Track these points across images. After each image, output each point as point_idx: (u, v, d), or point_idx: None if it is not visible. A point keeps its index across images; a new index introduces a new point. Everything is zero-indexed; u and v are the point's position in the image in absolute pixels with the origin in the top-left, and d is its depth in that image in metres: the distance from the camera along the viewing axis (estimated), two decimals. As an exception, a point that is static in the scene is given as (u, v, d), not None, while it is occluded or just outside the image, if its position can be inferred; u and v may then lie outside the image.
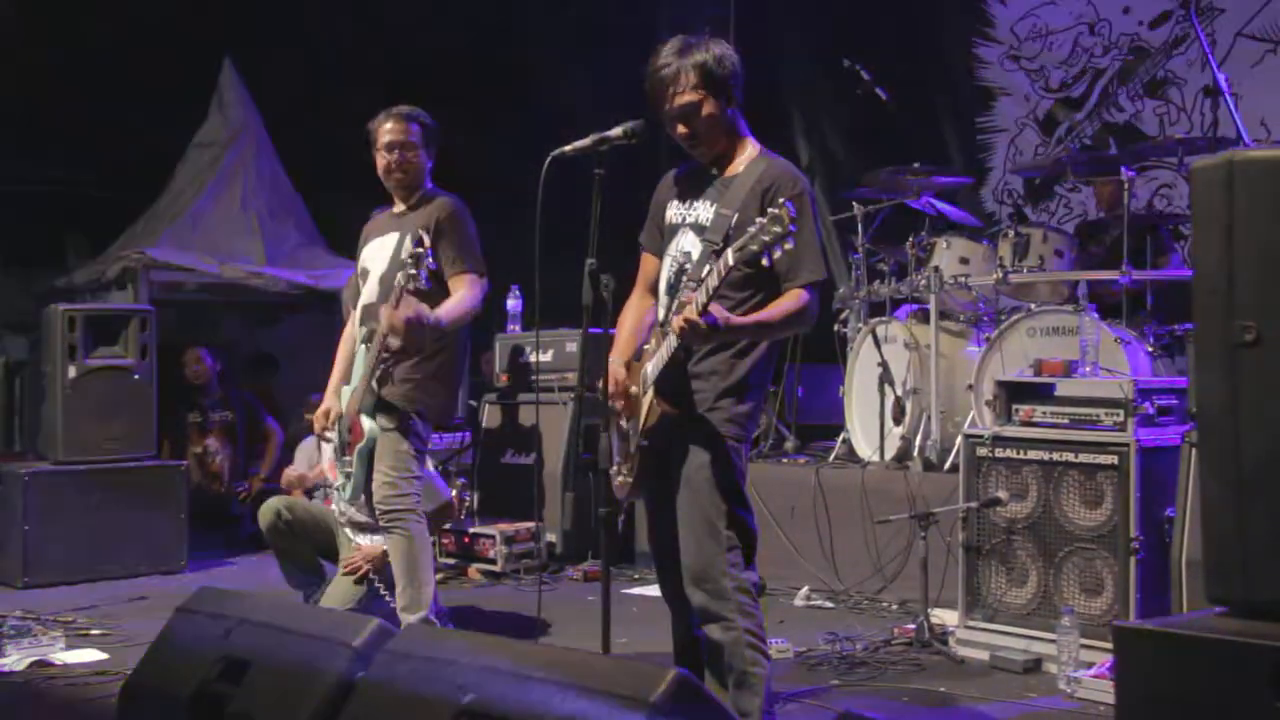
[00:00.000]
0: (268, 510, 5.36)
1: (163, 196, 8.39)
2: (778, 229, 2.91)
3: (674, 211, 3.53)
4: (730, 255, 3.01)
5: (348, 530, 5.42)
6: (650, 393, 3.34)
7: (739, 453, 3.38)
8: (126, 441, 6.56)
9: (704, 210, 3.42)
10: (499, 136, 8.10)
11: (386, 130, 4.65)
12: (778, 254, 2.96)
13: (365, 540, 5.34)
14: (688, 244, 3.42)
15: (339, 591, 5.21)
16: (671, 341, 3.28)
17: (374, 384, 4.52)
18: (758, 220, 2.97)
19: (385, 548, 5.22)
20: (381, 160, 4.67)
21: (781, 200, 2.97)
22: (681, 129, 3.40)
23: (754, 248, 2.94)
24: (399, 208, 4.76)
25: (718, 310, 3.11)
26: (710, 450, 3.33)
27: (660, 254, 3.54)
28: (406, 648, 2.54)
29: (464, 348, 4.83)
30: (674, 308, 3.30)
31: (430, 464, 6.13)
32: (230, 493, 7.71)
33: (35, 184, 8.60)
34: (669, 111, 3.39)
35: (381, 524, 4.57)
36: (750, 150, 3.47)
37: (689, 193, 3.51)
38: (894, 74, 7.18)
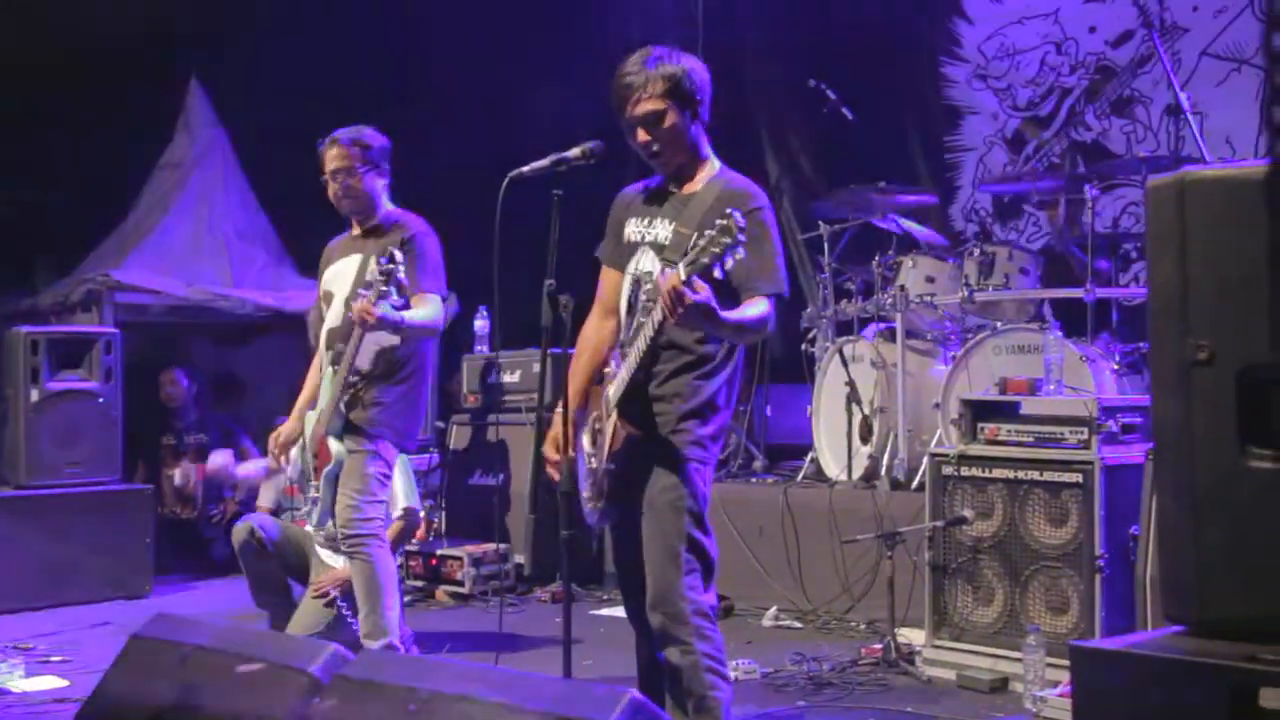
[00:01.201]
0: (241, 529, 5.32)
1: (128, 218, 8.32)
2: (726, 239, 2.87)
3: (632, 229, 3.49)
4: (682, 269, 2.96)
5: (321, 551, 5.37)
6: (613, 416, 3.31)
7: (702, 475, 3.34)
8: (90, 466, 6.51)
9: (663, 229, 3.40)
10: (466, 156, 8.08)
11: (329, 158, 4.64)
12: (729, 264, 2.91)
13: (339, 561, 5.29)
14: (647, 263, 3.40)
15: (306, 615, 5.16)
16: (631, 363, 3.25)
17: (342, 407, 4.49)
18: (706, 232, 2.93)
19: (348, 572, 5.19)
20: (329, 189, 4.66)
21: (728, 210, 2.92)
22: (642, 136, 3.36)
23: (704, 260, 2.89)
24: (356, 230, 4.74)
25: (700, 287, 2.93)
26: (673, 473, 3.30)
27: (621, 269, 3.51)
28: (362, 673, 2.52)
29: (429, 371, 4.80)
30: (633, 326, 3.29)
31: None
32: (203, 516, 7.64)
33: (1, 206, 8.53)
34: (630, 118, 3.36)
35: (344, 548, 4.54)
36: (710, 169, 3.45)
37: (647, 210, 3.48)
38: (862, 93, 7.21)
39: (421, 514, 5.97)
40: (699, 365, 3.34)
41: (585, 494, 3.40)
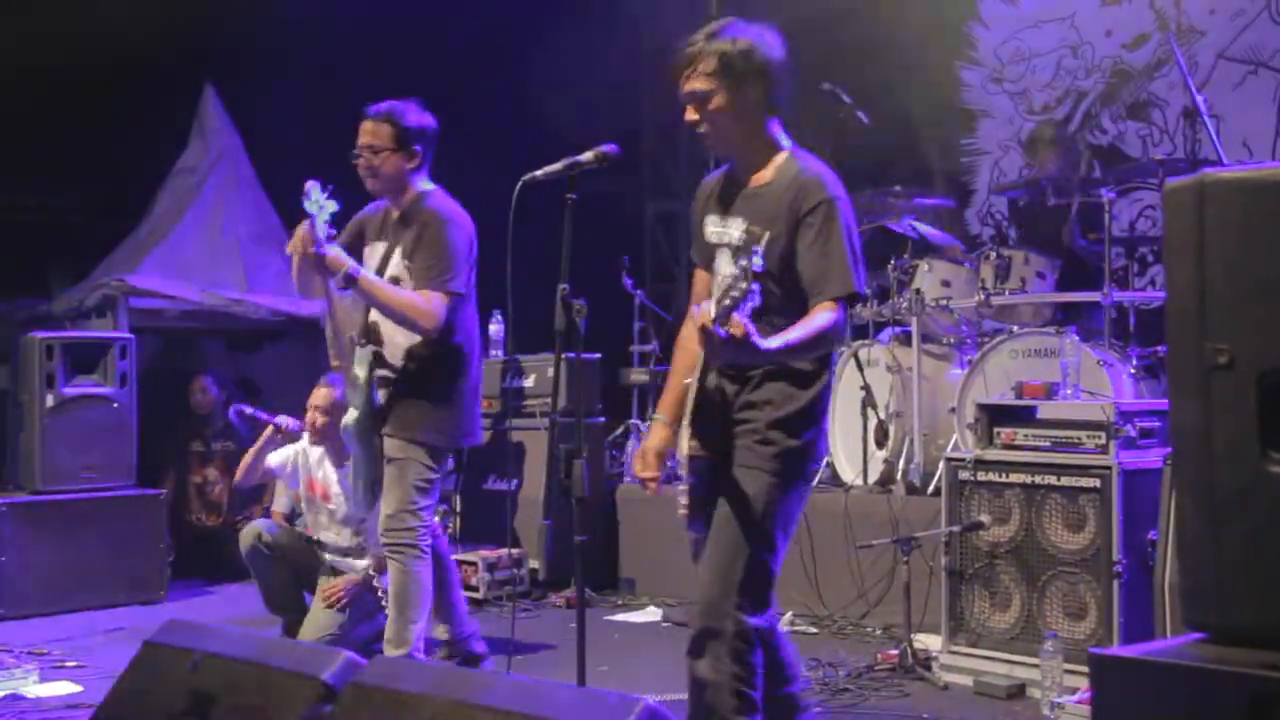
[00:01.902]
0: (249, 534, 5.32)
1: (143, 223, 8.34)
2: (744, 284, 2.66)
3: (710, 229, 3.28)
4: (712, 308, 2.72)
5: (329, 558, 5.37)
6: (686, 428, 3.11)
7: (783, 490, 3.10)
8: (105, 471, 6.51)
9: (735, 229, 3.18)
10: (479, 159, 8.08)
11: (360, 131, 4.44)
12: (750, 308, 2.68)
13: (347, 567, 5.30)
14: (725, 265, 3.17)
15: (316, 621, 5.16)
16: (699, 375, 3.10)
17: (380, 397, 4.43)
18: (731, 273, 2.74)
19: (361, 576, 5.19)
20: (359, 163, 4.44)
21: (751, 249, 2.71)
22: (689, 114, 3.15)
23: (727, 303, 2.69)
24: (395, 213, 4.52)
25: (736, 324, 2.69)
26: (750, 485, 3.08)
27: (709, 270, 3.29)
28: (374, 681, 2.51)
29: (470, 371, 4.47)
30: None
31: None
32: (229, 522, 7.65)
33: (17, 212, 8.56)
34: (680, 94, 3.14)
35: (385, 552, 4.49)
36: (781, 155, 3.19)
37: (721, 207, 3.26)
38: (877, 97, 7.19)
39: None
40: (793, 373, 3.10)
41: (680, 501, 3.18)
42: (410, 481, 4.34)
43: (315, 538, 5.40)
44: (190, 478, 7.57)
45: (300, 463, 5.46)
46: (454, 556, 6.45)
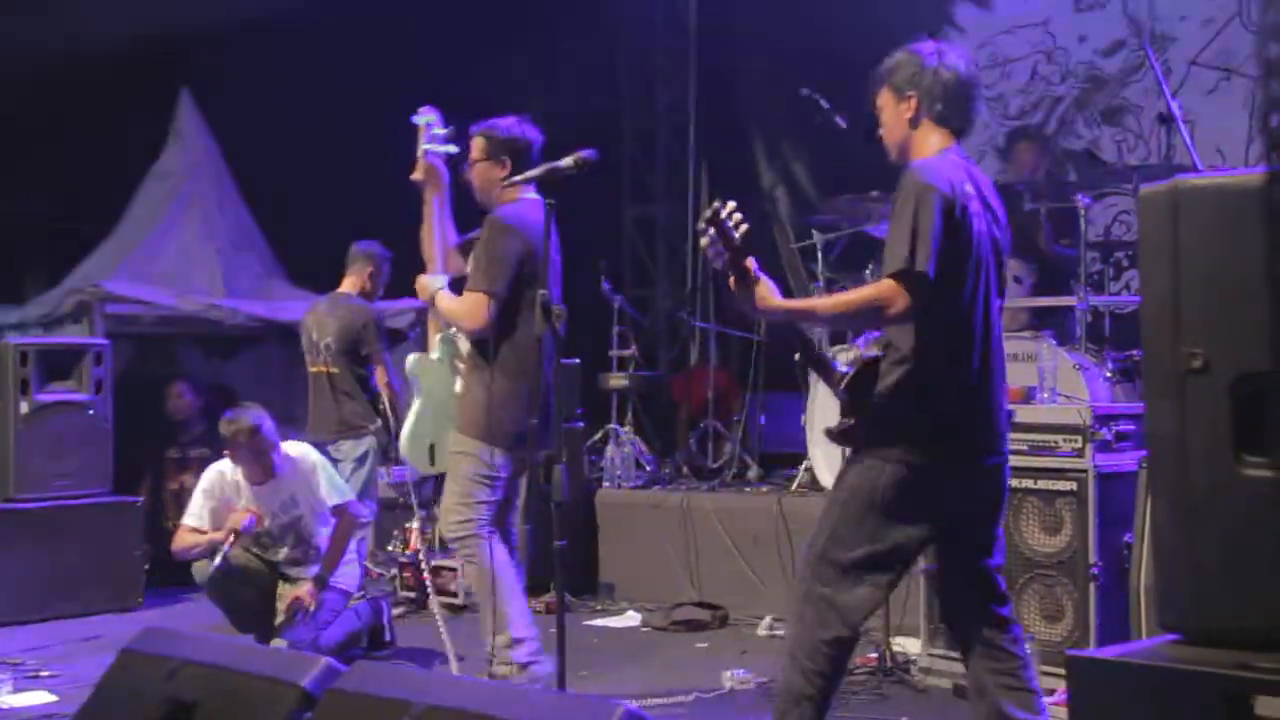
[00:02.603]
0: (201, 568, 5.26)
1: (119, 229, 8.30)
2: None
3: None
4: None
5: (288, 570, 5.34)
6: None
7: (880, 471, 3.11)
8: (81, 478, 6.48)
9: None
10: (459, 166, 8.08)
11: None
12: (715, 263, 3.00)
13: (305, 576, 5.26)
14: None
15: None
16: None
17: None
18: None
19: (314, 582, 5.16)
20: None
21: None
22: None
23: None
24: None
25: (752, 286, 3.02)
26: (855, 463, 3.21)
27: None
28: (353, 686, 2.50)
29: (527, 367, 4.27)
30: None
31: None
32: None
33: (-10, 218, 8.52)
34: None
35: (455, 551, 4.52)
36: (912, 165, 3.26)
37: None
38: (855, 101, 7.20)
39: (365, 509, 5.89)
40: (890, 354, 3.17)
41: None
42: (464, 474, 4.36)
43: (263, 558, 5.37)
44: (167, 484, 7.52)
45: (226, 493, 5.37)
46: (433, 562, 6.49)
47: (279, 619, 5.20)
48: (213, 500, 5.33)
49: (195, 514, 5.33)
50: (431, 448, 4.57)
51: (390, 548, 7.03)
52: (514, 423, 4.33)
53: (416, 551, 6.71)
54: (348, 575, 5.40)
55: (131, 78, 8.15)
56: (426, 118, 4.54)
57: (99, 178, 8.38)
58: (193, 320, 7.78)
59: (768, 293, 3.01)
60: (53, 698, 4.62)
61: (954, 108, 3.29)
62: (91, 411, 6.53)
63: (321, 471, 5.35)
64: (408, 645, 5.55)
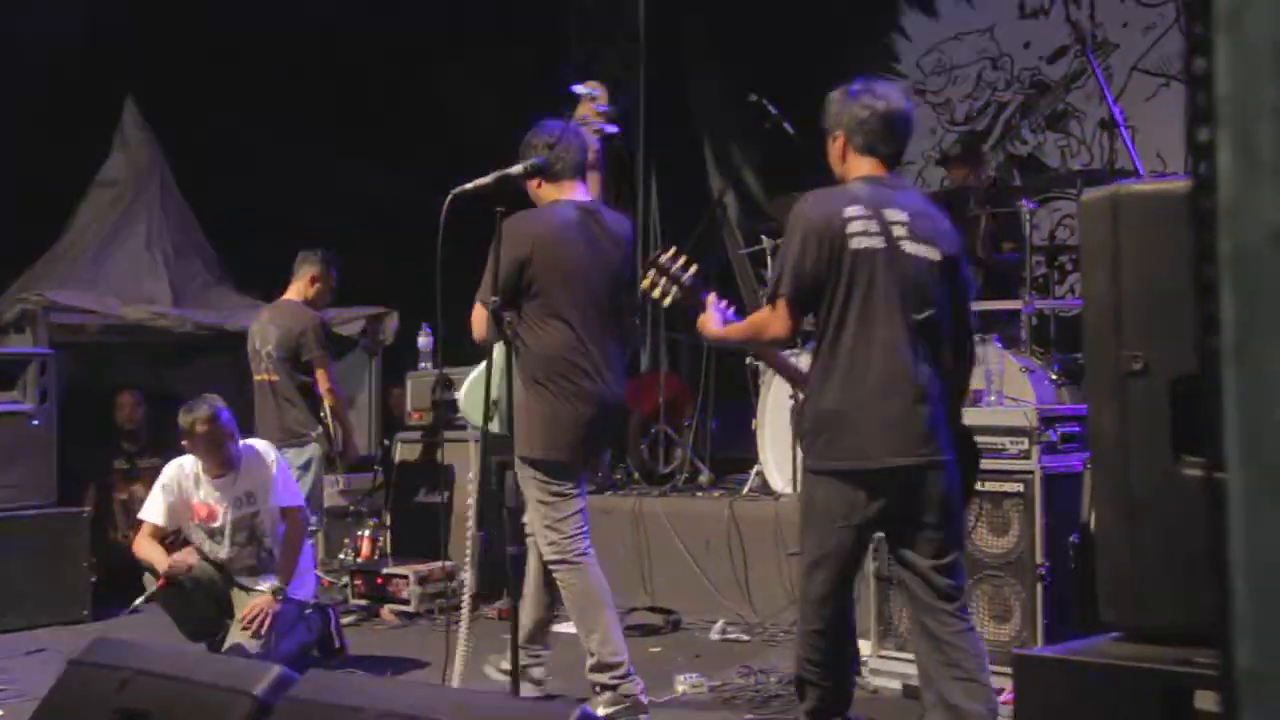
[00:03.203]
0: (150, 577, 5.20)
1: (63, 236, 8.20)
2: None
3: None
4: None
5: (241, 579, 5.27)
6: None
7: (810, 483, 3.52)
8: (25, 489, 6.39)
9: None
10: (407, 172, 8.06)
11: None
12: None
13: (262, 586, 5.18)
14: None
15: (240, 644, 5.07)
16: None
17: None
18: None
19: (270, 594, 5.09)
20: None
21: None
22: None
23: None
24: None
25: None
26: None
27: None
28: (307, 695, 2.50)
29: (567, 389, 4.20)
30: None
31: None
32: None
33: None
34: None
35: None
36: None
37: None
38: (803, 107, 7.26)
39: (310, 512, 5.77)
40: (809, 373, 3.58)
41: None
42: (534, 499, 4.21)
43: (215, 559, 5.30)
44: (115, 495, 7.43)
45: (184, 487, 5.29)
46: (385, 570, 6.47)
47: (233, 630, 5.13)
48: (170, 496, 5.26)
49: (155, 511, 5.26)
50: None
51: (342, 556, 7.00)
52: (547, 437, 4.19)
53: (369, 559, 6.70)
54: (304, 584, 5.35)
55: (75, 82, 8.06)
56: (591, 93, 4.40)
57: (43, 186, 8.27)
58: (140, 329, 7.71)
59: (706, 321, 3.57)
60: (-1, 712, 4.57)
61: (876, 138, 3.47)
62: (36, 422, 6.45)
63: (279, 472, 5.33)
64: (360, 653, 5.53)
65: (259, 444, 5.42)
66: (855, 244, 3.34)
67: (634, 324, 3.80)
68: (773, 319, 3.40)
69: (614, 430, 4.31)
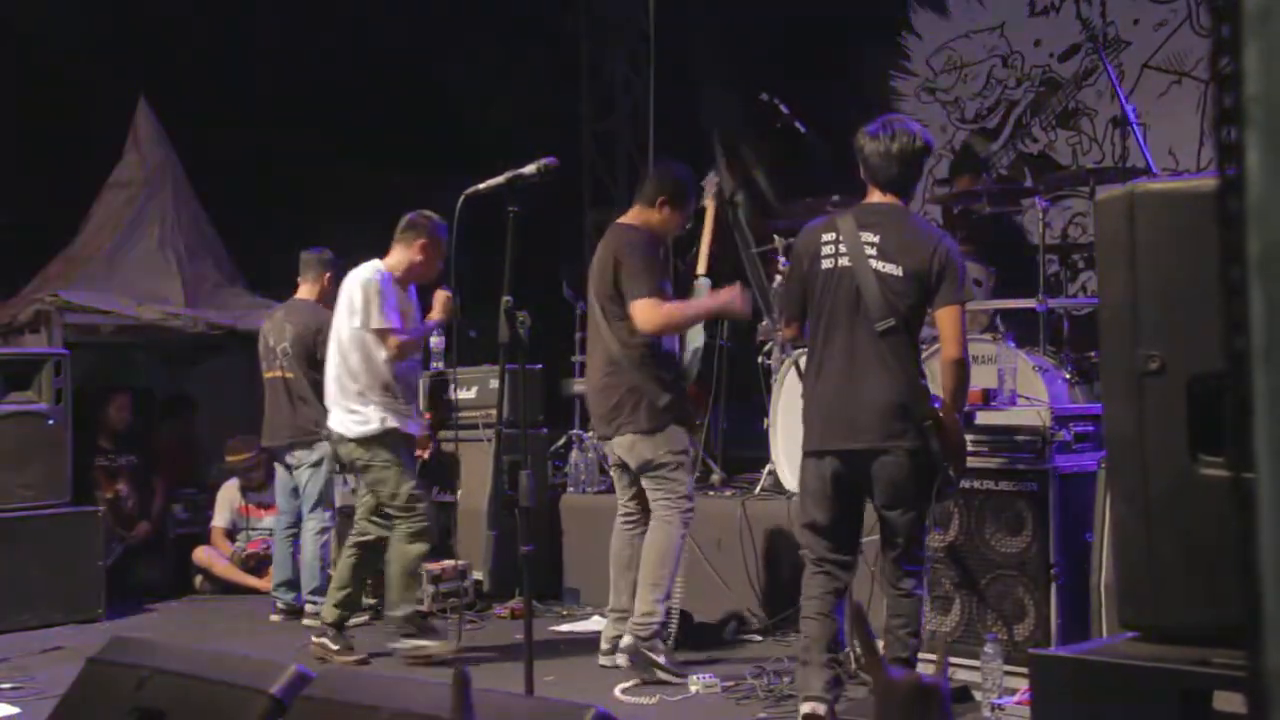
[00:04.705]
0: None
1: (78, 237, 8.23)
2: None
3: None
4: None
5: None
6: None
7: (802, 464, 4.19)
8: (40, 489, 6.42)
9: None
10: (422, 170, 8.07)
11: None
12: None
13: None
14: None
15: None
16: None
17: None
18: None
19: None
20: None
21: None
22: None
23: None
24: None
25: None
26: None
27: None
28: (323, 693, 2.50)
29: (664, 367, 5.14)
30: None
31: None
32: (166, 535, 7.60)
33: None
34: None
35: None
36: None
37: None
38: (813, 106, 7.27)
39: (323, 510, 6.10)
40: None
41: None
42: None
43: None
44: (100, 493, 7.43)
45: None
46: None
47: None
48: None
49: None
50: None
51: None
52: (648, 408, 5.08)
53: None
54: None
55: (89, 84, 8.09)
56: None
57: (57, 186, 8.30)
58: (153, 329, 7.73)
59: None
60: (15, 709, 4.58)
61: (868, 170, 4.14)
62: (51, 421, 6.47)
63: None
64: (374, 652, 5.54)
65: None
66: (825, 264, 4.02)
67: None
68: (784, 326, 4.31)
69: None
